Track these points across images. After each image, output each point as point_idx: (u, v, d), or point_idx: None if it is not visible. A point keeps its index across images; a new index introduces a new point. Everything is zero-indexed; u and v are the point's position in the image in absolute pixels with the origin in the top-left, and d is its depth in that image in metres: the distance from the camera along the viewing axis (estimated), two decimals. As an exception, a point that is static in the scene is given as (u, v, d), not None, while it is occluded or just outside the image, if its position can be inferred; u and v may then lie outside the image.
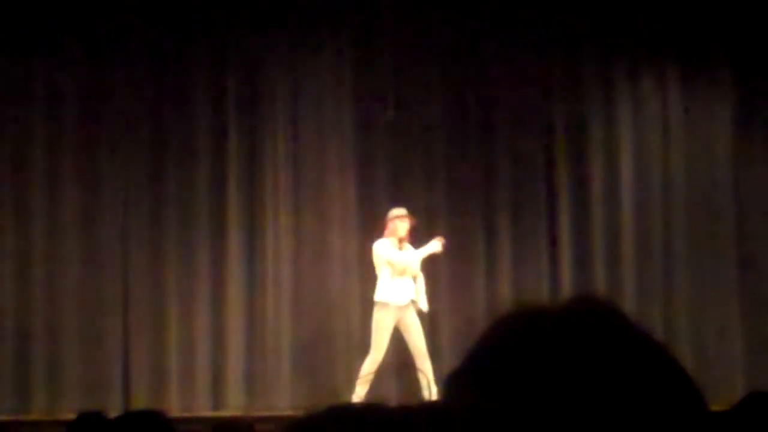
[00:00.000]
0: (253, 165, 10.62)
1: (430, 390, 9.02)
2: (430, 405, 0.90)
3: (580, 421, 0.79)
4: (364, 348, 9.70)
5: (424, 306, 9.35)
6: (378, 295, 9.29)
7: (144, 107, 10.45)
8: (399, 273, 9.29)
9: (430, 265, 9.67)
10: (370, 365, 9.22)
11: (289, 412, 9.52)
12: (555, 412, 0.80)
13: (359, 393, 9.10)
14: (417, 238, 9.55)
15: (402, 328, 9.31)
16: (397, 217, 9.42)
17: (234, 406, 10.17)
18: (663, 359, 0.85)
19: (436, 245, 9.43)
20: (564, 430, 0.79)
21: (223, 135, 10.57)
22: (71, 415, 3.42)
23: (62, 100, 10.36)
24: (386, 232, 9.43)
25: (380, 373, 9.31)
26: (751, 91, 11.14)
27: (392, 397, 9.25)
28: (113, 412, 2.98)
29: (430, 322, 10.17)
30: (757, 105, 11.15)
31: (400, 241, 9.38)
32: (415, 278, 9.38)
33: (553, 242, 10.89)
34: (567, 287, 10.75)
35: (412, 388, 9.25)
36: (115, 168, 10.39)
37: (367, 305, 10.06)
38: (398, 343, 9.42)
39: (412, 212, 9.55)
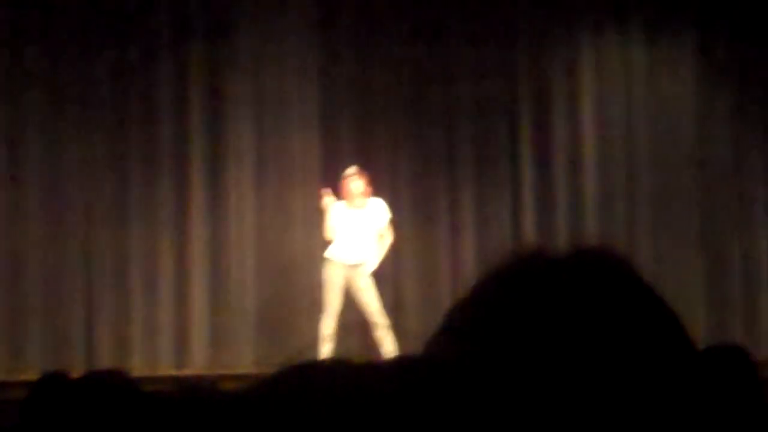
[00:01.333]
0: (215, 123, 10.56)
1: (390, 343, 9.07)
2: (406, 359, 0.86)
3: (577, 375, 0.77)
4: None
5: (368, 267, 9.33)
6: (327, 252, 9.32)
7: (106, 63, 10.34)
8: (349, 232, 9.28)
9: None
10: (326, 323, 9.23)
11: (252, 370, 9.53)
12: (552, 365, 0.78)
13: (323, 352, 9.12)
14: (382, 196, 9.54)
15: (351, 288, 9.30)
16: (347, 176, 9.40)
17: (198, 364, 10.17)
18: (667, 316, 0.83)
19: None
20: (560, 382, 0.77)
21: (185, 92, 10.50)
22: (33, 376, 3.40)
23: (25, 58, 10.24)
24: (342, 193, 9.42)
25: (344, 332, 9.32)
26: (714, 48, 11.19)
27: (359, 356, 9.28)
28: (76, 371, 2.97)
29: (393, 281, 10.19)
30: (720, 61, 11.20)
31: (353, 200, 9.33)
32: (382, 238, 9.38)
33: (516, 198, 10.93)
34: (528, 244, 10.77)
35: (378, 347, 9.27)
36: (78, 127, 10.30)
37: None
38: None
39: (374, 170, 9.54)
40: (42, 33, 10.27)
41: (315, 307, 10.24)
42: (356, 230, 9.31)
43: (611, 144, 11.11)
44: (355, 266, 9.30)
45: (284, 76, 10.66)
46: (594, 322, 0.80)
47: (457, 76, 10.90)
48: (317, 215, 10.40)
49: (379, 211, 9.40)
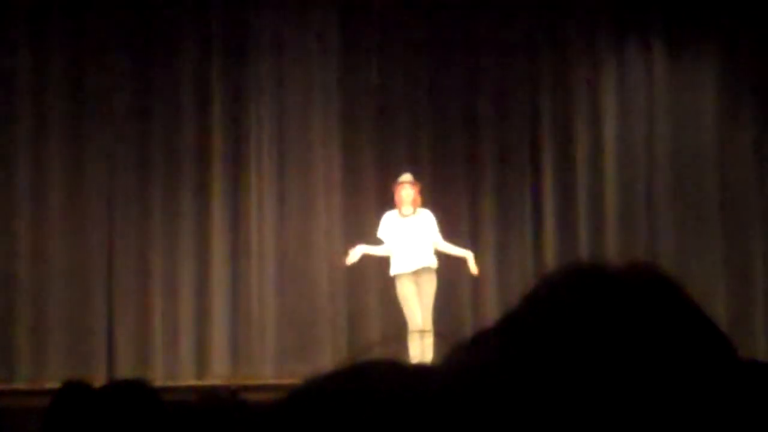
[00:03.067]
0: (237, 136, 10.57)
1: (428, 349, 8.94)
2: (454, 364, 0.85)
3: (630, 390, 0.77)
4: (348, 317, 9.71)
5: (471, 266, 9.30)
6: (392, 269, 9.17)
7: (129, 65, 10.37)
8: (404, 241, 9.16)
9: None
10: (413, 339, 9.03)
11: (273, 381, 9.53)
12: (606, 379, 0.78)
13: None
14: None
15: (420, 292, 9.16)
16: (399, 183, 9.31)
17: (218, 374, 10.17)
18: (719, 342, 0.82)
19: (467, 255, 9.36)
20: (615, 397, 0.77)
21: (207, 98, 10.52)
22: (56, 384, 3.41)
23: (46, 62, 10.28)
24: (394, 200, 9.32)
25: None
26: (735, 61, 11.15)
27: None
28: (98, 381, 2.98)
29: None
30: (742, 74, 11.16)
31: (403, 207, 9.25)
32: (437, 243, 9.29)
33: (537, 209, 10.91)
34: (551, 256, 10.77)
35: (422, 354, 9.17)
36: (101, 138, 10.32)
37: (351, 275, 10.07)
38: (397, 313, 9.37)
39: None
40: (65, 37, 10.30)
41: (336, 318, 10.24)
42: (411, 238, 9.15)
43: (633, 156, 11.08)
44: (419, 272, 9.15)
45: (306, 87, 10.68)
46: (650, 340, 0.80)
47: (478, 89, 10.89)
48: (339, 225, 10.41)
49: (429, 218, 9.29)
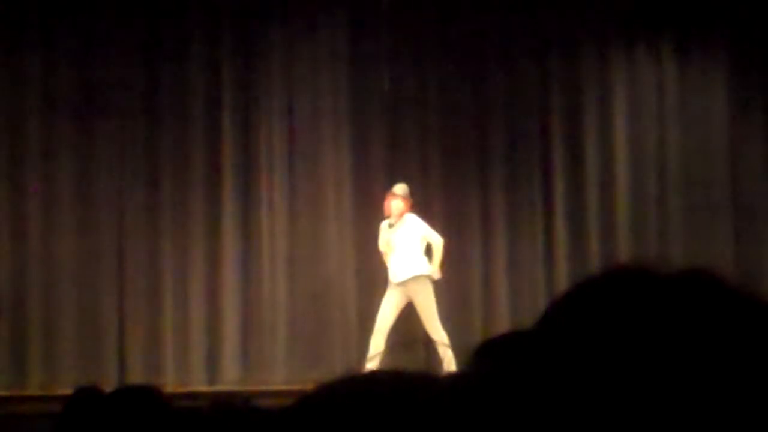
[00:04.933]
0: (248, 139, 10.58)
1: (450, 361, 8.99)
2: (480, 374, 0.82)
3: (680, 394, 0.74)
4: (359, 323, 9.70)
5: (432, 275, 9.30)
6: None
7: (138, 71, 10.38)
8: (390, 252, 9.30)
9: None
10: (373, 342, 9.18)
11: (284, 387, 9.52)
12: (654, 383, 0.75)
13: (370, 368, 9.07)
14: (413, 210, 9.53)
15: (414, 306, 9.27)
16: (389, 194, 9.42)
17: (230, 381, 10.17)
18: None
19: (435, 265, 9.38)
20: (662, 400, 0.75)
21: (217, 102, 10.52)
22: (67, 390, 3.41)
23: (56, 65, 10.29)
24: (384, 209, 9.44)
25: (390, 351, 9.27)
26: (746, 58, 11.13)
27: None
28: (109, 386, 2.98)
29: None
30: (752, 77, 11.15)
31: (390, 217, 9.35)
32: (429, 247, 9.34)
33: (548, 214, 10.91)
34: (562, 259, 10.76)
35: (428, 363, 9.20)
36: (111, 139, 10.33)
37: (362, 280, 10.07)
38: (405, 320, 9.39)
39: (409, 186, 9.52)
40: (73, 44, 10.31)
41: (347, 324, 10.24)
42: (397, 248, 9.29)
43: (643, 160, 11.06)
44: (404, 284, 9.25)
45: (316, 91, 10.68)
46: (704, 341, 0.77)
47: (488, 93, 10.89)
48: (349, 232, 10.41)
49: (412, 224, 9.38)
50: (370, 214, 9.66)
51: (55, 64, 10.29)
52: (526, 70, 10.89)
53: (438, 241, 9.36)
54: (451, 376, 0.83)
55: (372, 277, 9.98)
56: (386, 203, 9.38)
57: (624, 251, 10.82)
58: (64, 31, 10.31)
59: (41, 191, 10.20)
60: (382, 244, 9.36)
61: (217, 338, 10.32)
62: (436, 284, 10.29)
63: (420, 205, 9.85)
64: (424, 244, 9.36)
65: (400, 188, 9.44)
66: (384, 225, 9.36)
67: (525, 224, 10.86)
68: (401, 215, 9.35)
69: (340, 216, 10.57)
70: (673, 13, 11.09)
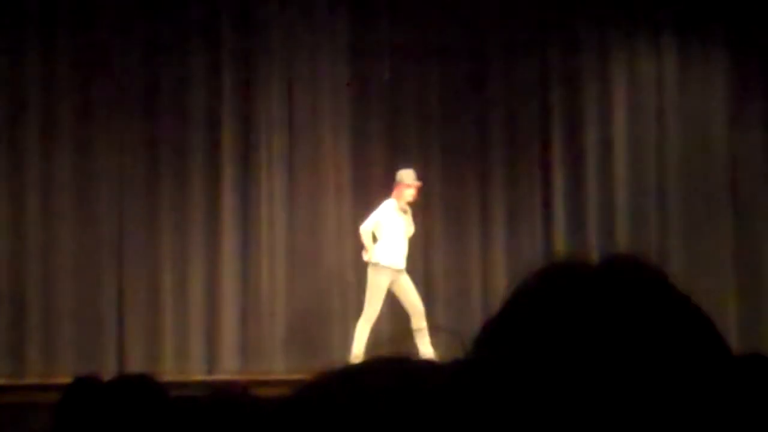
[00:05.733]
0: (248, 130, 10.59)
1: (430, 349, 9.04)
2: (465, 359, 0.85)
3: (611, 383, 0.76)
4: (357, 313, 9.70)
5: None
6: (376, 257, 9.30)
7: (138, 66, 10.38)
8: (398, 237, 9.30)
9: (424, 229, 9.67)
10: (364, 325, 9.24)
11: (283, 377, 9.54)
12: (587, 373, 0.77)
13: (356, 354, 9.11)
14: (414, 204, 9.58)
15: (397, 291, 9.32)
16: (413, 185, 9.43)
17: (228, 370, 10.18)
18: (706, 329, 0.82)
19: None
20: (595, 390, 0.77)
21: (217, 95, 10.53)
22: (66, 379, 3.42)
23: (56, 60, 10.29)
24: (394, 193, 9.44)
25: (376, 339, 9.32)
26: (745, 57, 11.13)
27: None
28: (108, 375, 2.98)
29: (424, 283, 10.18)
30: (752, 70, 11.15)
31: (404, 206, 9.38)
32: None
33: (547, 206, 10.91)
34: (561, 253, 10.77)
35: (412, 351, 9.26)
36: (110, 130, 10.34)
37: (361, 269, 10.07)
38: (394, 307, 9.44)
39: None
40: (73, 43, 10.30)
41: (346, 313, 10.25)
42: (403, 236, 9.34)
43: (643, 152, 11.07)
44: (401, 271, 9.31)
45: (316, 85, 10.68)
46: (629, 330, 0.79)
47: (488, 86, 10.89)
48: (348, 221, 10.42)
49: (409, 218, 9.46)
50: (369, 207, 9.66)
51: (54, 58, 10.27)
52: (526, 64, 10.88)
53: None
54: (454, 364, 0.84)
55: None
56: (409, 190, 9.37)
57: (623, 244, 10.82)
58: (65, 31, 10.29)
59: (40, 183, 10.18)
60: (386, 222, 9.32)
61: (216, 328, 10.33)
62: (434, 277, 10.34)
63: (420, 198, 9.86)
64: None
65: (418, 182, 9.51)
66: (392, 205, 9.36)
67: (524, 217, 10.87)
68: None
69: (340, 208, 10.58)
70: (673, 8, 11.07)
